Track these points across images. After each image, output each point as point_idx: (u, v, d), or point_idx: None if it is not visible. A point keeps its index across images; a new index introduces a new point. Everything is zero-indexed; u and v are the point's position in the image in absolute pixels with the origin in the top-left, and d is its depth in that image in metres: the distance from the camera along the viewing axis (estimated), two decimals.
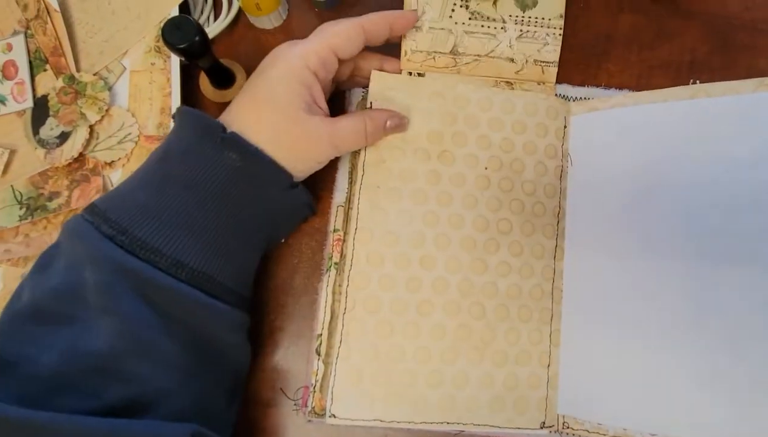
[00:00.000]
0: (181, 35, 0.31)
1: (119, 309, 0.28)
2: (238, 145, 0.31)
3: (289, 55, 0.33)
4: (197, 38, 0.31)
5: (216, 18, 0.41)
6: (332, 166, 0.38)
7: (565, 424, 0.35)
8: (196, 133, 0.31)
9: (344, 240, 0.36)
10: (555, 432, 0.35)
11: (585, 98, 0.40)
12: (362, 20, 0.35)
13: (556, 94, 0.40)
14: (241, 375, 0.34)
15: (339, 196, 0.38)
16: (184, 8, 0.41)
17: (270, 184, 0.32)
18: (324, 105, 0.35)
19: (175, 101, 0.37)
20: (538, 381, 0.35)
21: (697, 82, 0.40)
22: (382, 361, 0.35)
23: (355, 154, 0.38)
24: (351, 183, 0.37)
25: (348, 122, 0.34)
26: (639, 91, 0.40)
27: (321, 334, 0.35)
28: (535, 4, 0.39)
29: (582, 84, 0.41)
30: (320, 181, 0.37)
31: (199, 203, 0.30)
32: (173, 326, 0.29)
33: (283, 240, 0.39)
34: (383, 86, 0.37)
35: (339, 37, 0.34)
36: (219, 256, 0.31)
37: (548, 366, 0.36)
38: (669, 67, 0.41)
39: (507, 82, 0.39)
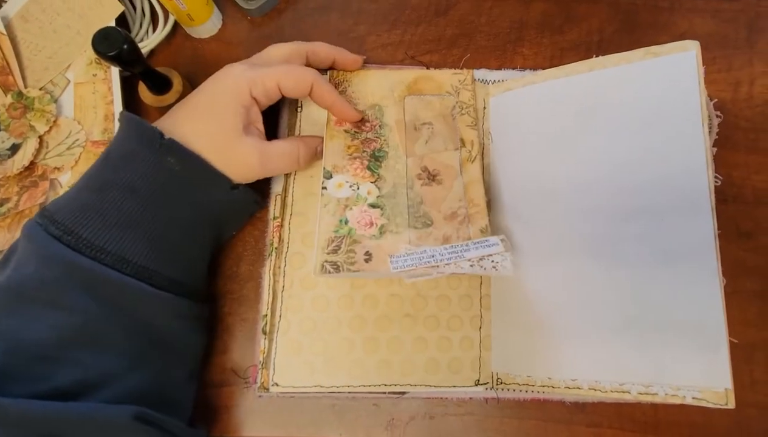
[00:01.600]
0: (109, 44, 0.32)
1: (66, 302, 0.29)
2: (176, 150, 0.32)
3: (237, 76, 0.34)
4: (125, 46, 0.33)
5: (155, 30, 0.43)
6: None
7: (499, 380, 0.36)
8: (137, 138, 0.32)
9: (282, 226, 0.38)
10: (489, 388, 0.37)
11: (501, 80, 0.42)
12: (313, 72, 0.36)
13: (475, 79, 0.41)
14: (194, 358, 0.35)
15: (276, 185, 0.40)
16: (123, 22, 0.42)
17: (210, 186, 0.34)
18: (261, 126, 0.36)
19: (117, 108, 0.38)
20: (470, 343, 0.37)
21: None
22: (320, 332, 0.36)
23: None
24: (287, 173, 0.39)
25: (281, 146, 0.36)
26: None
27: (266, 315, 0.37)
28: None
29: (499, 68, 0.44)
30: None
31: (140, 204, 0.32)
32: (119, 316, 0.30)
33: (234, 233, 0.40)
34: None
35: (289, 78, 0.35)
36: (163, 252, 0.32)
37: (480, 328, 0.37)
38: (579, 48, 0.44)
39: None
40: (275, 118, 0.41)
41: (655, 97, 0.34)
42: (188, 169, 0.33)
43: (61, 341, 0.29)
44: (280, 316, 0.36)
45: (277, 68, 0.35)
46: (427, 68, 0.42)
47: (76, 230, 0.30)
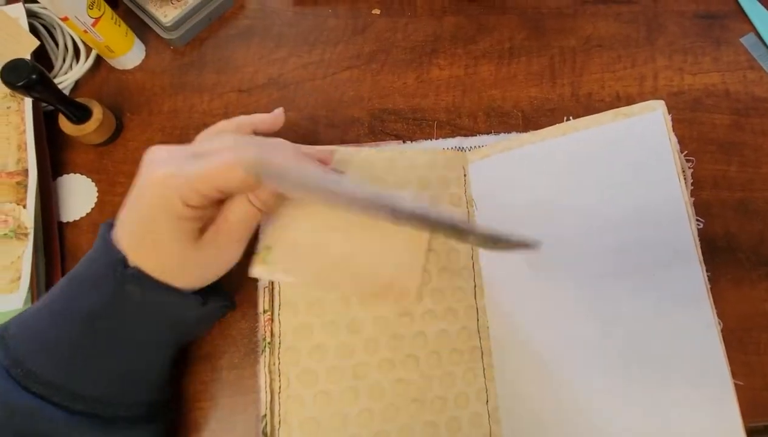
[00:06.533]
0: (18, 75, 0.31)
1: None
2: (139, 280, 0.27)
3: (165, 184, 0.26)
4: (34, 76, 0.32)
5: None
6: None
7: None
8: (104, 262, 0.28)
9: (272, 319, 0.33)
10: None
11: (478, 146, 0.40)
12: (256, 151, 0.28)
13: (451, 148, 0.39)
14: None
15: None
16: (45, 58, 0.41)
17: (177, 309, 0.29)
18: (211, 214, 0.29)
19: (30, 137, 0.36)
20: (480, 419, 0.34)
21: (513, 62, 0.45)
22: (325, 432, 0.32)
23: None
24: None
25: (235, 214, 0.29)
26: (469, 78, 0.44)
27: (265, 415, 0.32)
28: None
29: (417, 79, 0.45)
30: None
31: (99, 337, 0.28)
32: None
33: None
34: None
35: (228, 175, 0.26)
36: (124, 381, 0.29)
37: (487, 401, 0.34)
38: (492, 56, 0.44)
39: None
40: None
41: (630, 156, 0.35)
42: (152, 297, 0.28)
43: None
44: (279, 422, 0.32)
45: (211, 160, 0.27)
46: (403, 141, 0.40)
47: (25, 362, 0.26)
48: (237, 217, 0.29)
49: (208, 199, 0.27)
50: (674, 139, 0.34)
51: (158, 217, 0.27)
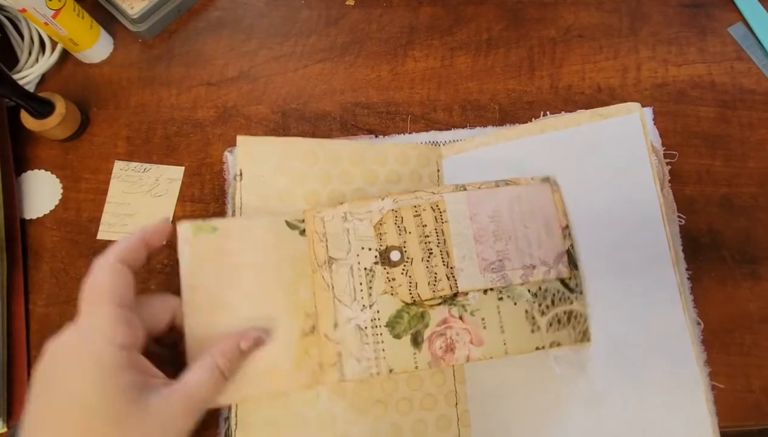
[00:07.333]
0: None
1: None
2: None
3: (88, 342, 0.24)
4: None
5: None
6: None
7: None
8: None
9: None
10: None
11: (453, 140, 0.38)
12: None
13: (425, 142, 0.38)
14: None
15: None
16: (11, 51, 0.41)
17: None
18: (155, 370, 0.26)
19: None
20: (447, 423, 0.32)
21: (491, 54, 0.43)
22: (285, 435, 0.30)
23: None
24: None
25: (197, 375, 0.26)
26: (444, 70, 0.42)
27: (227, 417, 0.32)
28: None
29: (392, 72, 0.44)
30: None
31: None
32: None
33: None
34: (251, 151, 0.33)
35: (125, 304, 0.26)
36: None
37: (456, 405, 0.33)
38: (469, 47, 0.42)
39: None
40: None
41: (607, 158, 0.34)
42: None
43: None
44: (237, 423, 0.30)
45: (111, 298, 0.26)
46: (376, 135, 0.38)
47: None
48: (199, 383, 0.26)
49: (132, 327, 0.26)
50: (651, 141, 0.33)
51: (88, 379, 0.24)
